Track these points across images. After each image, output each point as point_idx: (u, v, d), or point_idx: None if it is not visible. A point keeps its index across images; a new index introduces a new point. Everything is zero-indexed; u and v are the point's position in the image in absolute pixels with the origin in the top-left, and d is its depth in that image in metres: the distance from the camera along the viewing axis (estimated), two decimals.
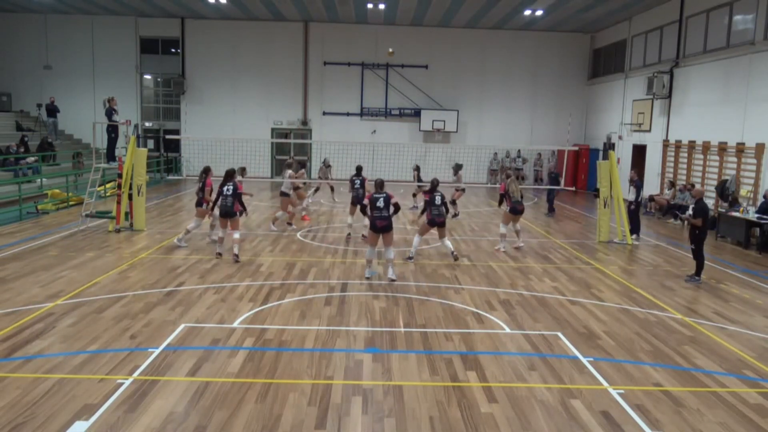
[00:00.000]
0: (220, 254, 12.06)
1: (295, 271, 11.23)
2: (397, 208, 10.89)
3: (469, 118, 29.74)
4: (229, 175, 12.23)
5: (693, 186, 19.00)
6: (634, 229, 15.37)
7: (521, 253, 13.43)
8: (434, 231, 12.39)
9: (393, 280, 10.48)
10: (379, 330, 8.11)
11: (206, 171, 13.16)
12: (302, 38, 29.21)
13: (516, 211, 13.41)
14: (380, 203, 10.60)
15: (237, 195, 11.96)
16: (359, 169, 15.17)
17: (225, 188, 11.94)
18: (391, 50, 23.17)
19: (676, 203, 18.93)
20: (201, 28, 29.02)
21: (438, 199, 12.10)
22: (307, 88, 29.56)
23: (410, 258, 12.34)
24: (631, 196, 15.41)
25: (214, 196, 12.81)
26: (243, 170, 15.38)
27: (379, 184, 10.97)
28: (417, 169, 20.48)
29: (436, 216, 12.03)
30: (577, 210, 20.91)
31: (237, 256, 11.81)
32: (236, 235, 11.97)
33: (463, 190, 18.64)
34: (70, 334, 7.60)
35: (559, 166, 28.12)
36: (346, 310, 8.95)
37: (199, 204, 13.22)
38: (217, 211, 12.55)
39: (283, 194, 15.38)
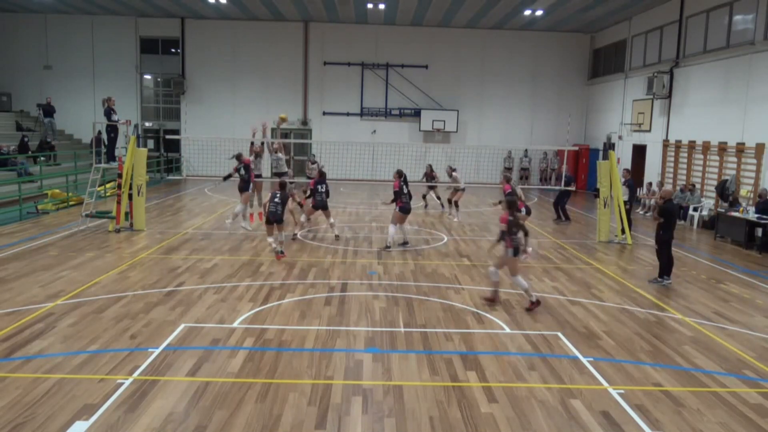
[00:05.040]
0: None
1: (295, 271, 11.23)
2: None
3: (469, 118, 29.75)
4: None
5: (693, 186, 19.04)
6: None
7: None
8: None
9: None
10: (379, 330, 8.11)
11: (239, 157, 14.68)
12: (302, 38, 29.22)
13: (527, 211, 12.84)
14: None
15: None
16: (401, 173, 13.83)
17: None
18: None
19: (677, 204, 18.87)
20: (201, 28, 29.03)
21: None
22: (307, 88, 29.58)
23: (535, 302, 9.34)
24: (624, 197, 15.49)
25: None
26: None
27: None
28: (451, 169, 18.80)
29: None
30: (577, 210, 20.90)
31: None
32: None
33: (463, 189, 18.37)
34: (70, 334, 7.60)
35: (559, 166, 28.15)
36: (346, 310, 8.95)
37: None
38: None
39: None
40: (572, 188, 18.54)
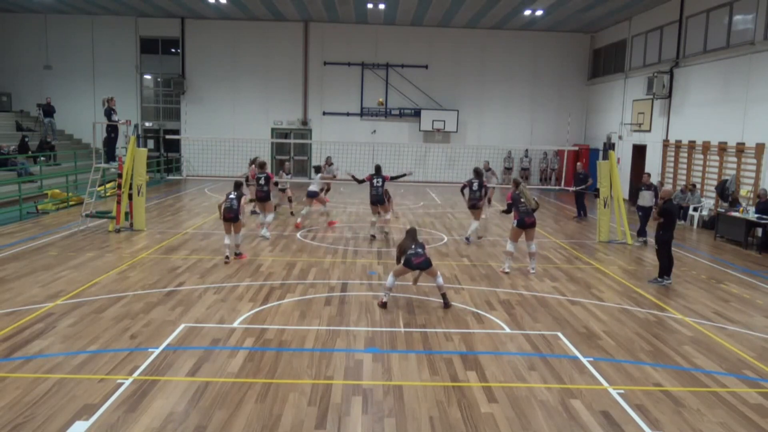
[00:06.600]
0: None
1: (295, 271, 11.23)
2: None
3: (469, 118, 29.74)
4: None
5: (694, 186, 19.04)
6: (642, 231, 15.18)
7: (521, 254, 13.24)
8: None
9: None
10: (379, 330, 8.11)
11: (262, 165, 14.46)
12: (302, 38, 29.21)
13: (523, 224, 11.33)
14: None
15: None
16: (479, 172, 14.40)
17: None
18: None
19: (677, 204, 18.85)
20: (201, 28, 29.02)
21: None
22: (307, 88, 29.57)
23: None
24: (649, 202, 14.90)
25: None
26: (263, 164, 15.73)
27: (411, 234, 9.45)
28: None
29: (524, 215, 11.36)
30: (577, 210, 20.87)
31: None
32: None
33: (493, 188, 18.07)
34: (70, 334, 7.60)
35: (559, 166, 28.15)
36: (346, 310, 8.95)
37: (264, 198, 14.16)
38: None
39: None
40: (575, 188, 18.51)
